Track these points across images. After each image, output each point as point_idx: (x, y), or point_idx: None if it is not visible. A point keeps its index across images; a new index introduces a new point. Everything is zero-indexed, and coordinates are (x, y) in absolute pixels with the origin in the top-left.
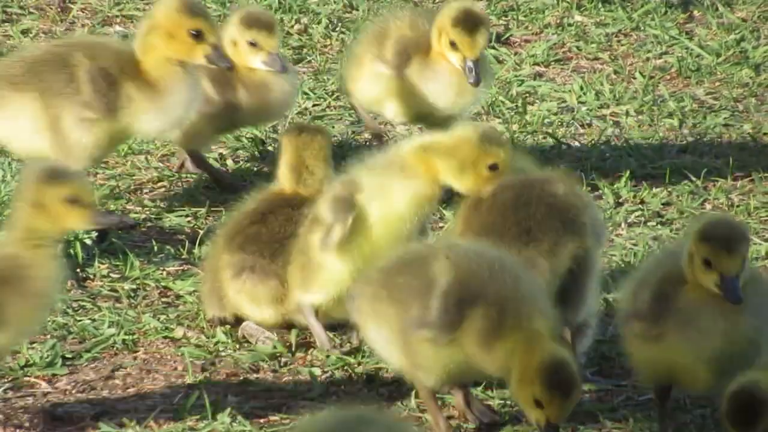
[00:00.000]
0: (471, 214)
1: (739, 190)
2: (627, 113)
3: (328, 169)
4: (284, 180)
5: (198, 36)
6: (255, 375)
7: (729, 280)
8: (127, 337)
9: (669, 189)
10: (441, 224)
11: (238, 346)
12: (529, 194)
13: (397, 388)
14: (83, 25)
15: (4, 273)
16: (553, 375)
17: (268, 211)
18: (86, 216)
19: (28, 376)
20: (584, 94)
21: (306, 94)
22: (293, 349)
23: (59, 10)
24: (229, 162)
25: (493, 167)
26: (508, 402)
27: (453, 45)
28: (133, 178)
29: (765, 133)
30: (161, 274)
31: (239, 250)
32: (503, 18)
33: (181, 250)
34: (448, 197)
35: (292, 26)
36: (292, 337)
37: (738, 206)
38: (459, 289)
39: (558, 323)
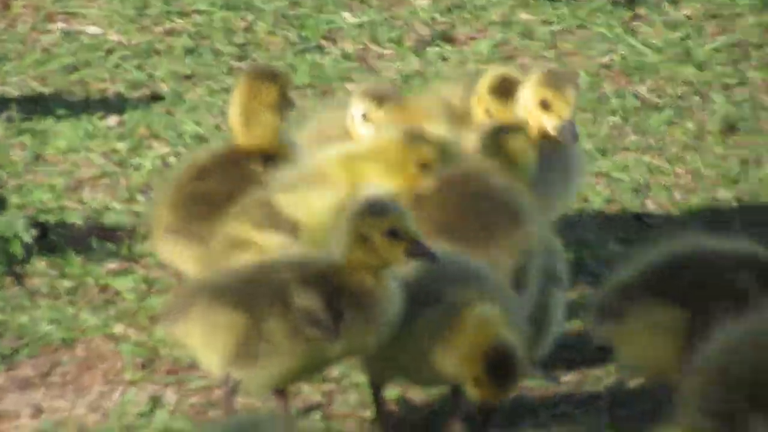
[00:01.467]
0: (417, 215)
1: (682, 188)
2: None
3: (276, 116)
4: (233, 123)
5: None
6: (194, 372)
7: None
8: (65, 335)
9: (612, 186)
10: None
11: (176, 344)
12: (477, 189)
13: (337, 385)
14: (25, 22)
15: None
16: (497, 360)
17: (208, 168)
18: (407, 249)
19: None
20: None
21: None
22: None
23: (0, 6)
24: None
25: (423, 165)
26: None
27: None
28: (74, 175)
29: (708, 131)
30: (101, 271)
31: (172, 210)
32: (448, 15)
33: (121, 247)
34: None
35: (237, 23)
36: None
37: (680, 204)
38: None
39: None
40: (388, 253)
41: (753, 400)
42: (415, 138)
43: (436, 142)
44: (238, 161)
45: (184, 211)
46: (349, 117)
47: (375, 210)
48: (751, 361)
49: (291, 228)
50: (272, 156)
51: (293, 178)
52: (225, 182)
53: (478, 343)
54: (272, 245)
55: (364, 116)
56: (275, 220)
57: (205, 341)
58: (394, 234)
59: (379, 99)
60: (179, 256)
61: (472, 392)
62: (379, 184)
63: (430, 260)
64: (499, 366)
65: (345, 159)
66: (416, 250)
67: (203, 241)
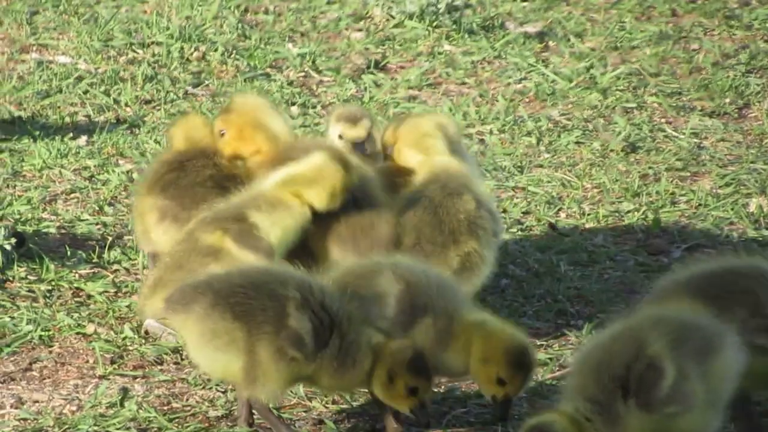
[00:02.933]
0: None
1: (590, 200)
2: (491, 132)
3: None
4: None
5: None
6: (159, 367)
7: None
8: (43, 333)
9: (528, 199)
10: None
11: (143, 341)
12: None
13: None
14: (2, 53)
15: None
16: (518, 357)
17: (185, 159)
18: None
19: None
20: (453, 114)
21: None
22: None
23: None
24: None
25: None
26: None
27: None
28: (49, 189)
29: (612, 150)
30: (74, 276)
31: (161, 195)
32: (381, 47)
33: (92, 254)
34: None
35: (192, 53)
36: None
37: (588, 215)
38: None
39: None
40: (397, 400)
41: (624, 389)
42: (345, 164)
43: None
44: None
45: (169, 195)
46: (328, 137)
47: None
48: (622, 356)
49: (268, 250)
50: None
51: (257, 198)
52: (204, 168)
53: (496, 347)
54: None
55: (340, 136)
56: (253, 240)
57: (201, 342)
58: (413, 391)
59: (353, 120)
60: (172, 237)
61: (494, 390)
62: (319, 203)
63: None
64: (521, 362)
65: (286, 185)
66: (419, 411)
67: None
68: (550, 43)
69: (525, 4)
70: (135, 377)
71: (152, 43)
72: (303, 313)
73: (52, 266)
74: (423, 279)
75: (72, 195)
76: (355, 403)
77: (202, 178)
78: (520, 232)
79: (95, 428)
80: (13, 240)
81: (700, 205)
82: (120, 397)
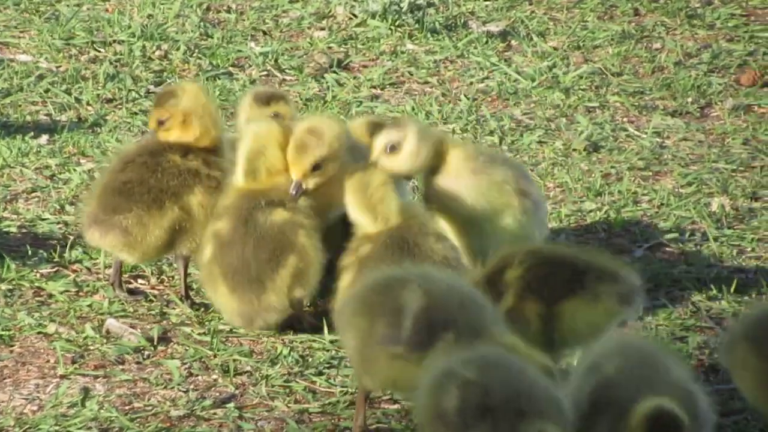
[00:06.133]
0: None
1: (552, 200)
2: (453, 131)
3: (216, 118)
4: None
5: None
6: (120, 366)
7: None
8: (3, 333)
9: None
10: None
11: (105, 341)
12: None
13: (249, 378)
14: None
15: None
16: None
17: (130, 160)
18: None
19: None
20: (416, 114)
21: None
22: (155, 343)
23: None
24: None
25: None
26: None
27: None
28: (9, 188)
29: (574, 149)
30: (35, 275)
31: (95, 201)
32: (343, 46)
33: (53, 254)
34: None
35: (154, 52)
36: (155, 332)
37: (551, 214)
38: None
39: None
40: None
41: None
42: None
43: None
44: (159, 152)
45: (99, 203)
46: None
47: None
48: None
49: None
50: (192, 149)
51: None
52: (143, 171)
53: None
54: None
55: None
56: None
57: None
58: None
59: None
60: (103, 243)
61: None
62: None
63: None
64: None
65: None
66: None
67: (117, 229)
68: (513, 43)
69: (487, 3)
70: (96, 377)
71: (114, 41)
72: (457, 389)
73: (13, 265)
74: (445, 292)
75: (33, 194)
76: (317, 403)
77: (133, 184)
78: None
79: (56, 428)
80: None
81: (662, 204)
82: (81, 397)
